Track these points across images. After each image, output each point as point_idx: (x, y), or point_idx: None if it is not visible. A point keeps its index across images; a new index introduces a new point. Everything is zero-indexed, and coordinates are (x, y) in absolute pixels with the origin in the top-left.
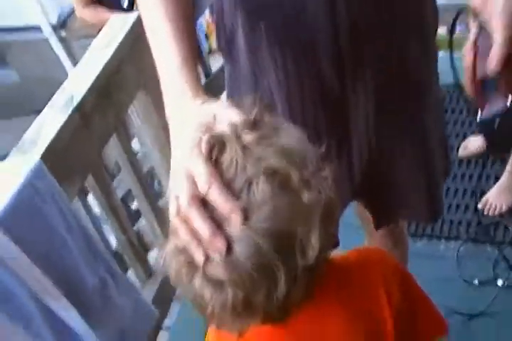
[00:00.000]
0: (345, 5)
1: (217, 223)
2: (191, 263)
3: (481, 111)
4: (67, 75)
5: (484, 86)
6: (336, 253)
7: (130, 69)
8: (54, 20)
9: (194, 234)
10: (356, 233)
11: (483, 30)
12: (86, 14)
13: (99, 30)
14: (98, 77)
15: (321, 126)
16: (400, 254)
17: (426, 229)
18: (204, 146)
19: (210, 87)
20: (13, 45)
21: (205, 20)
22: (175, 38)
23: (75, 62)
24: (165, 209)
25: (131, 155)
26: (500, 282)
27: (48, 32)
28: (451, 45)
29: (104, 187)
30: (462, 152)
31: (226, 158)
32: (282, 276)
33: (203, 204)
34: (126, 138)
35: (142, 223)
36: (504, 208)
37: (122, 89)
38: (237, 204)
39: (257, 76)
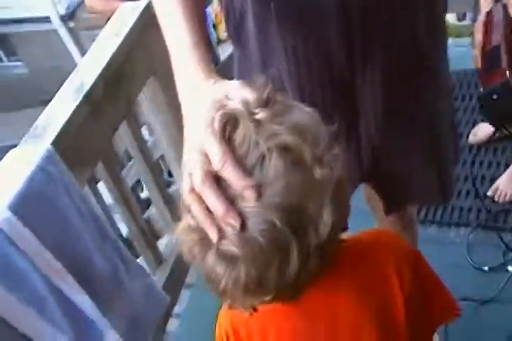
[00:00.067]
0: None
1: (230, 200)
2: (204, 240)
3: (483, 85)
4: (75, 66)
5: (488, 62)
6: (346, 235)
7: (140, 57)
8: (63, 11)
9: (208, 211)
10: (365, 218)
11: (495, 5)
12: (95, 2)
13: (108, 20)
14: (108, 65)
15: (329, 110)
16: (409, 240)
17: (436, 216)
18: (217, 124)
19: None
20: (22, 36)
21: (213, 9)
22: (187, 22)
23: (83, 53)
24: (175, 197)
25: (141, 142)
26: (510, 268)
27: (56, 23)
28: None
29: (114, 175)
30: (472, 139)
31: (239, 135)
32: (295, 252)
33: (217, 181)
34: (136, 126)
35: (152, 211)
36: None
37: (132, 77)
38: (250, 182)
39: (266, 60)
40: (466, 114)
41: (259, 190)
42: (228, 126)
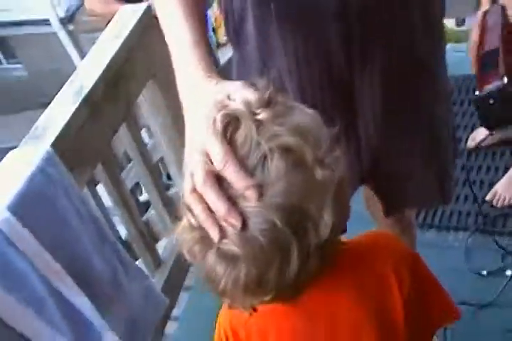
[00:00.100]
0: None
1: (232, 200)
2: (205, 239)
3: (479, 87)
4: (75, 68)
5: (484, 64)
6: (345, 238)
7: (139, 60)
8: (62, 14)
9: (209, 210)
10: (363, 221)
11: (492, 6)
12: (95, 5)
13: (108, 23)
14: (108, 67)
15: (329, 110)
16: (407, 243)
17: (434, 220)
18: (219, 124)
19: None
20: (22, 38)
21: (213, 13)
22: (187, 21)
23: (82, 56)
24: (175, 200)
25: (140, 144)
26: (508, 272)
27: (56, 26)
28: None
29: (113, 176)
30: (471, 143)
31: (241, 135)
32: (295, 252)
33: (218, 181)
34: (135, 128)
35: (151, 213)
36: None
37: (132, 80)
38: (251, 182)
39: (266, 62)
40: (464, 118)
41: (260, 190)
42: (230, 126)
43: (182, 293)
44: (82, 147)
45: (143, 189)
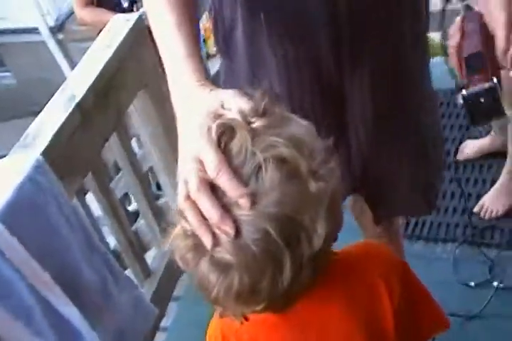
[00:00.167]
0: None
1: (225, 208)
2: (198, 247)
3: (466, 86)
4: (64, 77)
5: (469, 66)
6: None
7: (131, 70)
8: (52, 23)
9: (203, 217)
10: (351, 232)
11: (468, 12)
12: (86, 15)
13: (99, 31)
14: (99, 77)
15: (319, 118)
16: (395, 253)
17: (423, 231)
18: (214, 133)
19: None
20: (11, 47)
21: (203, 25)
22: (179, 30)
23: (72, 65)
24: (164, 209)
25: (131, 154)
26: (496, 283)
27: (45, 34)
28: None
29: (103, 185)
30: (459, 156)
31: (236, 144)
32: (288, 262)
33: (212, 189)
34: (126, 137)
35: (140, 223)
36: (500, 212)
37: (123, 89)
38: (245, 190)
39: (255, 71)
40: (453, 131)
41: (253, 198)
42: (225, 135)
43: (171, 304)
44: (72, 156)
45: (132, 199)
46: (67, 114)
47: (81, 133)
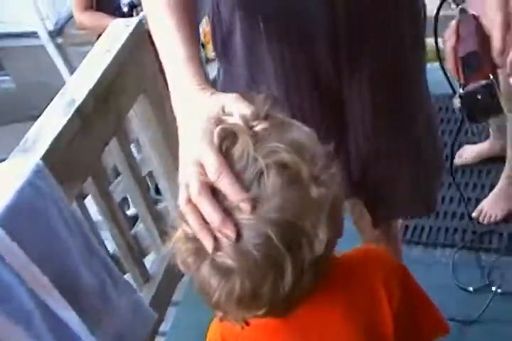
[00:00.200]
0: None
1: (227, 211)
2: (200, 251)
3: (463, 86)
4: (63, 82)
5: (467, 66)
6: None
7: (131, 74)
8: (51, 27)
9: (204, 221)
10: (349, 237)
11: (463, 15)
12: (85, 19)
13: (99, 36)
14: (99, 81)
15: (318, 122)
16: (393, 257)
17: (422, 236)
18: (216, 138)
19: None
20: (10, 51)
21: (202, 29)
22: (179, 32)
23: (71, 69)
24: (164, 214)
25: (130, 158)
26: (494, 289)
27: (44, 38)
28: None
29: (103, 189)
30: (457, 161)
31: (238, 149)
32: (289, 267)
33: (213, 193)
34: (126, 142)
35: (139, 228)
36: (499, 217)
37: (123, 94)
38: (246, 195)
39: (255, 77)
40: (450, 136)
41: (254, 202)
42: (226, 140)
43: (170, 308)
44: (72, 160)
45: (130, 203)
46: (66, 119)
47: (81, 138)
